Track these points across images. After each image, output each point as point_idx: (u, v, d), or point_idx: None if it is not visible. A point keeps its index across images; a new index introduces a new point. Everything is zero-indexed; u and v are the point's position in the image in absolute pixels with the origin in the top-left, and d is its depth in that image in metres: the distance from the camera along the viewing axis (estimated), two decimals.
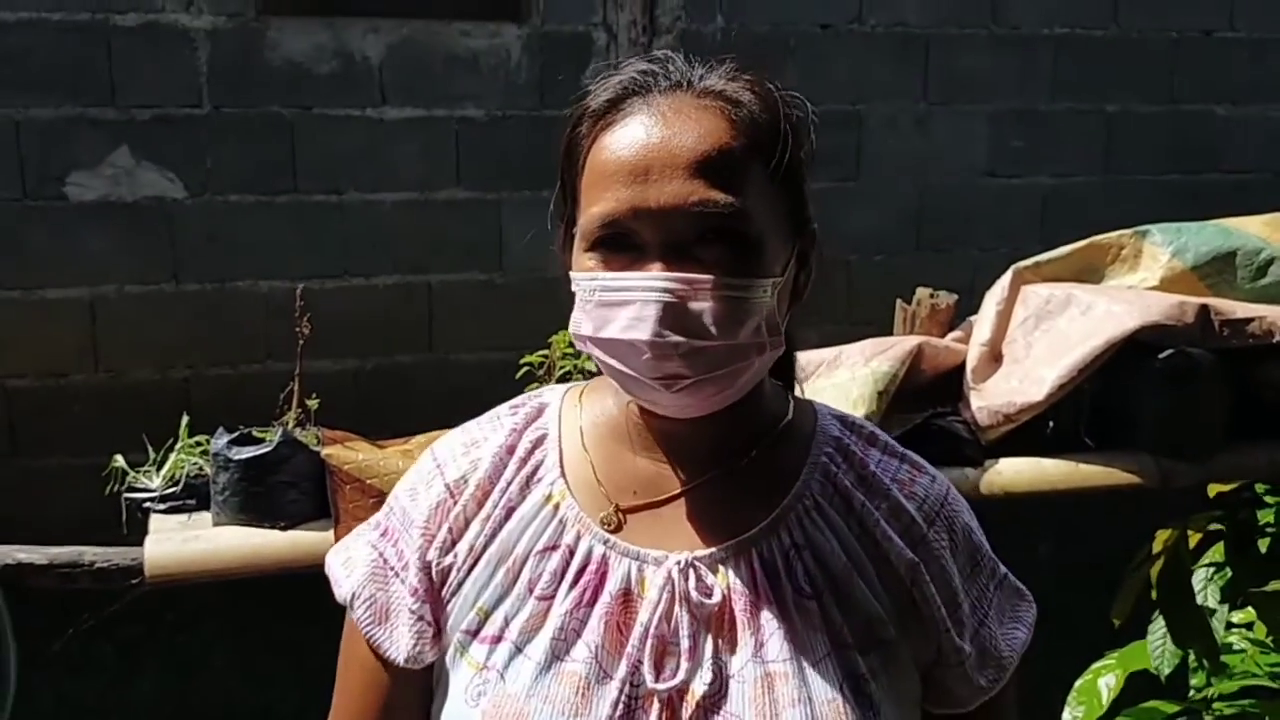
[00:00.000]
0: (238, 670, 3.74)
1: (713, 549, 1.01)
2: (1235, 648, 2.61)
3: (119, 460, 1.86)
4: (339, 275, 4.04)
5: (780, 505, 1.02)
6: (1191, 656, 2.41)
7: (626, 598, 1.00)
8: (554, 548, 1.02)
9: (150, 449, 1.88)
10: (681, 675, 0.96)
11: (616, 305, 0.93)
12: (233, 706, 3.58)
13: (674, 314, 0.91)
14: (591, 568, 1.01)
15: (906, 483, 1.06)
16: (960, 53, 4.58)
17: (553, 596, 1.00)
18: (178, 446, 1.88)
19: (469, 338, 4.20)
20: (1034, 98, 4.69)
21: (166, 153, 3.81)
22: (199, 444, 1.87)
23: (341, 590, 1.10)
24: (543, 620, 1.00)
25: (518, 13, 4.07)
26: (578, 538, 1.02)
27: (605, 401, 1.08)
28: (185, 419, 1.93)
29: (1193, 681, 2.62)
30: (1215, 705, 2.49)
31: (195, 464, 1.85)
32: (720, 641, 0.98)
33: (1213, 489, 2.31)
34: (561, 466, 1.06)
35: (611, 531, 1.02)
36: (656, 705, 0.96)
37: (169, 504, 1.85)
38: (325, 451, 1.77)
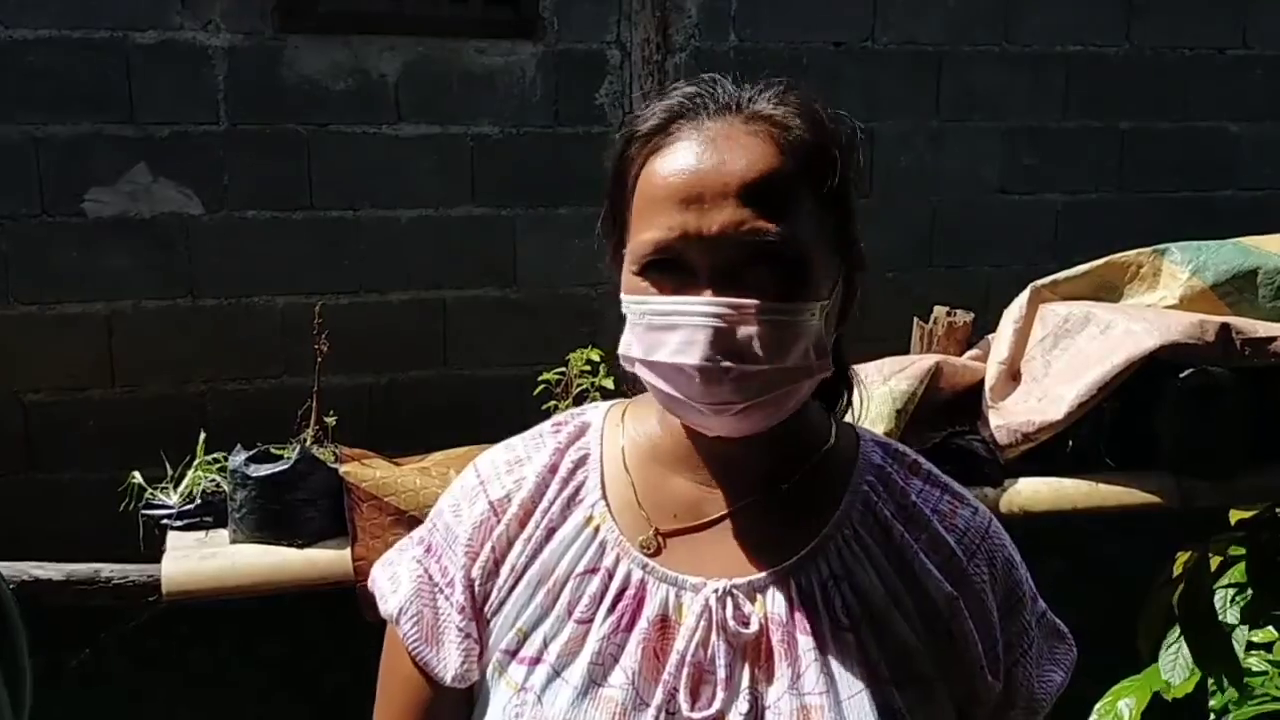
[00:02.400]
0: (250, 686, 3.73)
1: (751, 577, 1.00)
2: (1255, 669, 2.59)
3: (136, 477, 1.87)
4: (354, 291, 4.06)
5: (820, 534, 1.01)
6: (1211, 679, 2.39)
7: (664, 624, 0.99)
8: (593, 571, 1.02)
9: (167, 465, 1.88)
10: (717, 705, 0.96)
11: (666, 330, 0.93)
12: None
13: (724, 339, 0.91)
14: (630, 592, 1.00)
15: (948, 514, 1.04)
16: (973, 70, 4.58)
17: (591, 620, 1.00)
18: (195, 463, 1.88)
19: (484, 353, 4.21)
20: (1047, 115, 4.69)
21: (184, 169, 3.84)
22: (216, 460, 1.87)
23: (388, 605, 1.09)
24: (581, 644, 0.99)
25: (532, 31, 4.09)
26: (617, 561, 1.02)
27: (649, 421, 1.07)
28: (202, 436, 1.93)
29: (1211, 704, 2.60)
30: None
31: (212, 480, 1.86)
32: (757, 671, 0.97)
33: (1234, 515, 2.29)
34: (603, 488, 1.05)
35: (651, 555, 1.02)
36: None
37: (186, 521, 1.85)
38: (343, 469, 1.77)
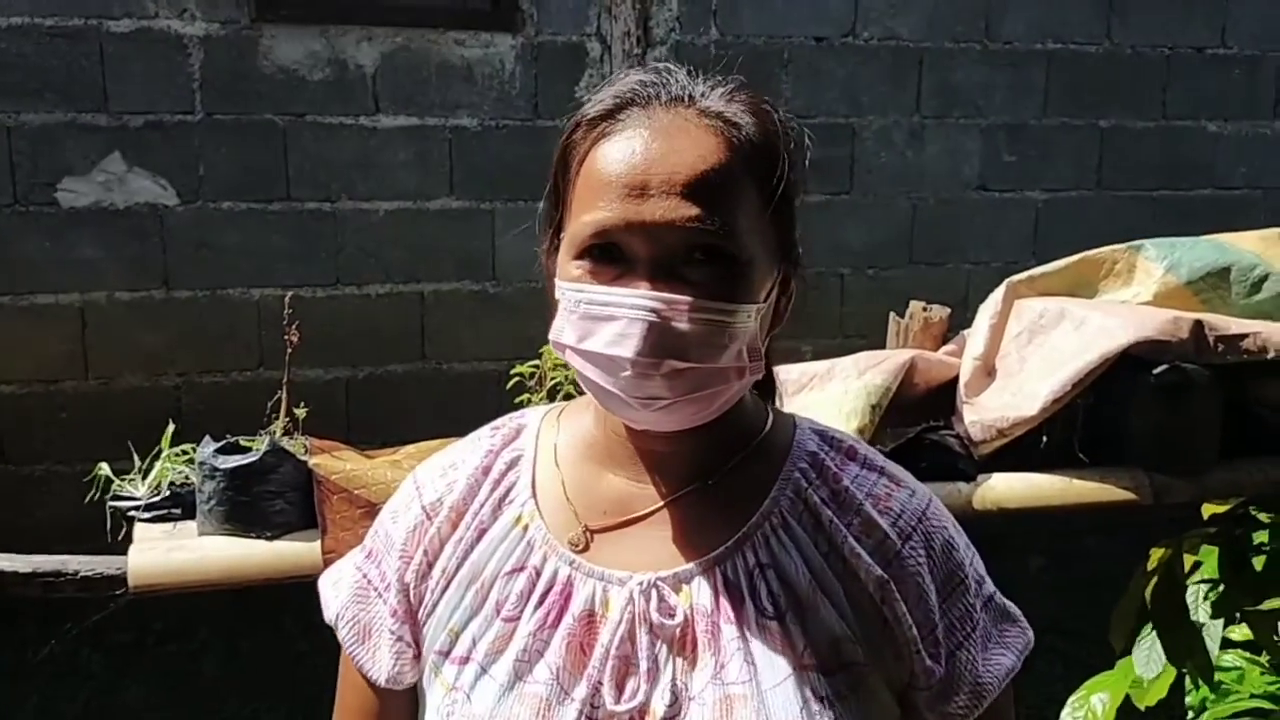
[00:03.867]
0: (226, 680, 3.72)
1: (677, 568, 1.00)
2: (1233, 666, 2.60)
3: (104, 468, 1.84)
4: (331, 284, 4.04)
5: (748, 523, 1.01)
6: (1188, 678, 2.39)
7: (590, 619, 0.99)
8: (520, 569, 1.02)
9: (135, 456, 1.86)
10: (640, 697, 0.96)
11: (601, 319, 0.93)
12: (221, 716, 3.55)
13: (658, 334, 0.91)
14: (556, 589, 1.01)
15: (882, 497, 1.03)
16: (954, 67, 4.59)
17: (518, 618, 1.00)
18: (163, 454, 1.86)
19: (462, 347, 4.20)
20: (1027, 112, 4.71)
21: (158, 159, 3.81)
22: (184, 452, 1.85)
23: (329, 612, 1.12)
24: (508, 641, 1.00)
25: (512, 23, 4.07)
26: (544, 559, 1.02)
27: (583, 420, 1.08)
28: (170, 427, 1.90)
29: (1189, 701, 2.60)
30: None
31: (181, 472, 1.83)
32: (682, 662, 0.97)
33: (1207, 510, 2.29)
34: (534, 488, 1.06)
35: (579, 552, 1.02)
36: None
37: (154, 513, 1.82)
38: (313, 461, 1.75)
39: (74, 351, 3.84)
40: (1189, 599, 2.22)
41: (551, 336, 0.99)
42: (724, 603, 0.98)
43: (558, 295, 0.97)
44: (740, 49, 4.32)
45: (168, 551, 1.72)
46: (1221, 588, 2.18)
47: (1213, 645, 2.23)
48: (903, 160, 4.63)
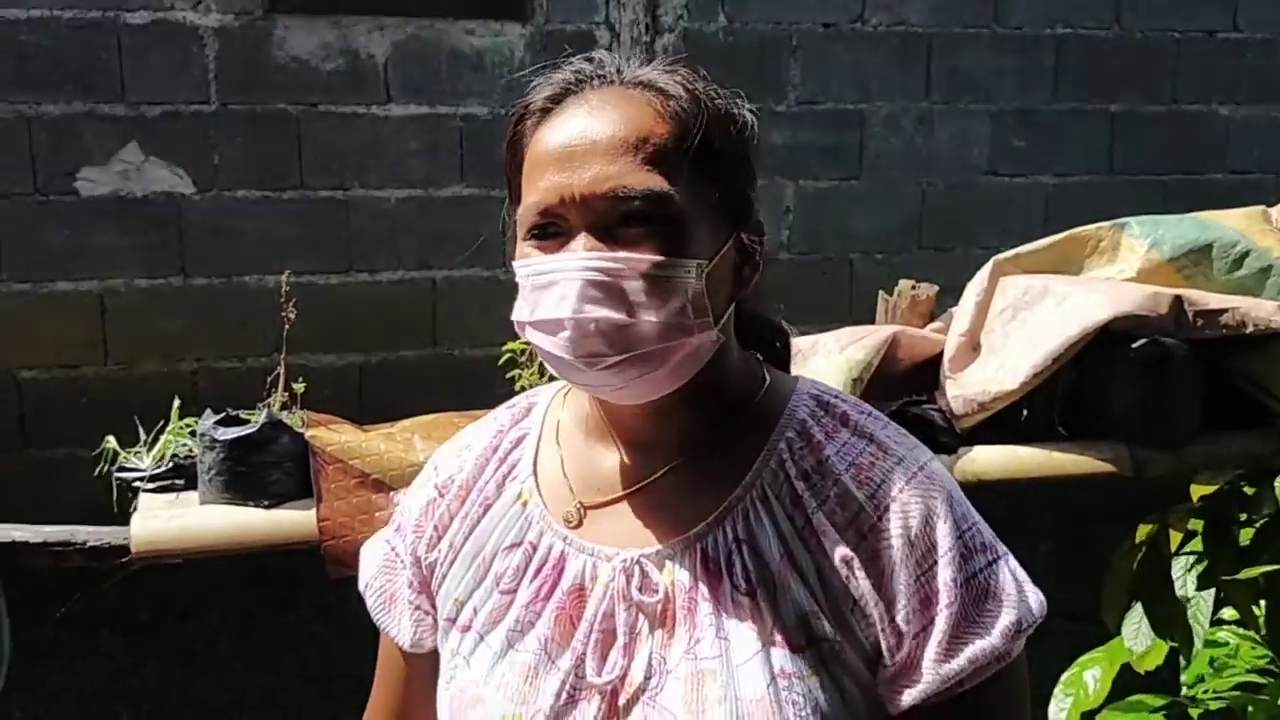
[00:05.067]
0: (242, 658, 3.80)
1: (661, 545, 1.03)
2: (1226, 642, 2.62)
3: (111, 441, 1.91)
4: (344, 270, 4.10)
5: (729, 498, 1.02)
6: (1180, 653, 2.41)
7: (579, 593, 1.04)
8: (518, 544, 1.08)
9: (141, 430, 1.93)
10: (618, 669, 1.00)
11: (544, 288, 0.97)
12: (237, 694, 3.63)
13: (593, 291, 0.94)
14: (550, 564, 1.06)
15: (865, 467, 1.01)
16: (963, 52, 4.60)
17: (515, 590, 1.06)
18: (168, 428, 1.93)
19: (473, 333, 4.25)
20: (1036, 97, 4.71)
21: (175, 149, 3.88)
22: (188, 426, 1.91)
23: (361, 581, 1.21)
24: (505, 612, 1.06)
25: (521, 12, 4.12)
26: (540, 535, 1.07)
27: (581, 398, 1.11)
28: (176, 402, 1.97)
29: (1183, 677, 2.62)
30: (1201, 698, 2.49)
31: (184, 445, 1.89)
32: (662, 636, 1.01)
33: (1195, 490, 2.31)
34: (535, 465, 1.11)
35: (573, 528, 1.06)
36: (597, 697, 1.00)
37: (158, 483, 1.88)
38: (309, 433, 1.81)
39: (93, 337, 3.92)
40: (1175, 573, 2.24)
41: (513, 317, 1.02)
42: (702, 579, 1.00)
43: (517, 279, 1.01)
44: (748, 36, 4.35)
45: (169, 519, 1.78)
46: (1205, 561, 2.20)
47: (1202, 618, 2.25)
48: (912, 146, 4.64)
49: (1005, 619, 0.98)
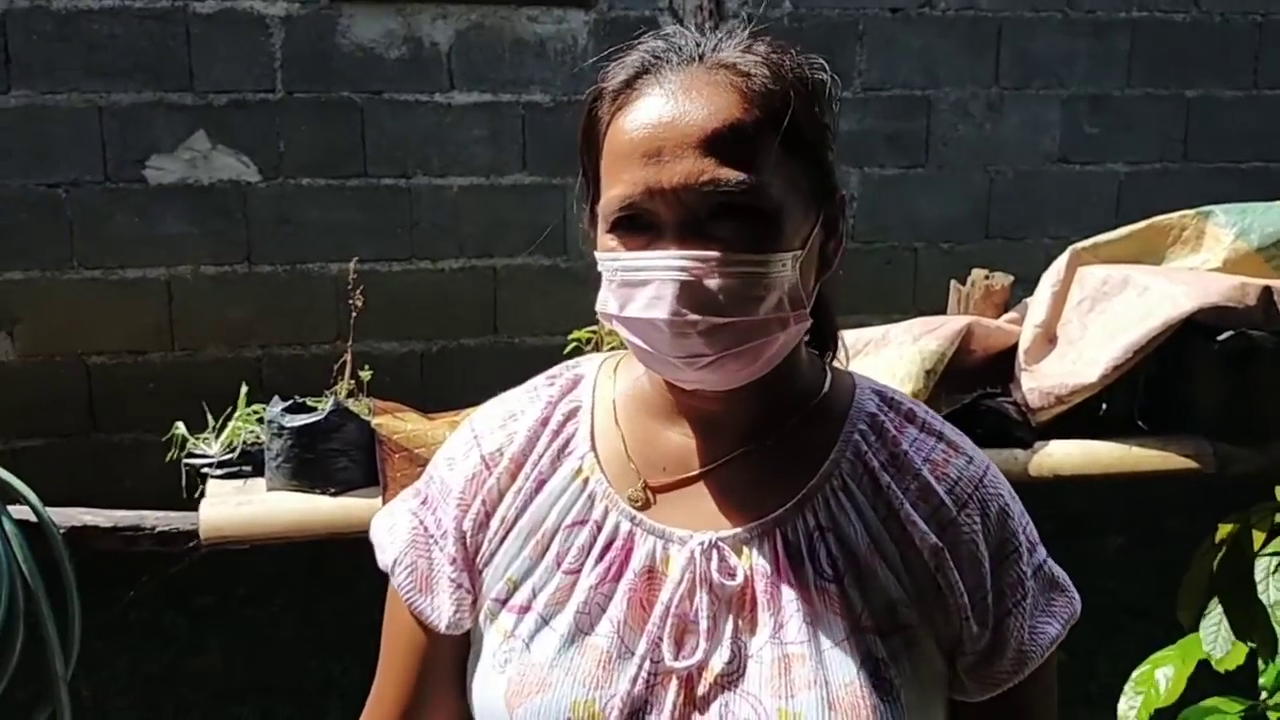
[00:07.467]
0: (302, 642, 3.83)
1: (738, 529, 1.01)
2: None
3: (180, 427, 1.93)
4: (406, 258, 4.11)
5: (808, 485, 1.01)
6: (1260, 657, 2.34)
7: (651, 575, 1.01)
8: (582, 522, 1.04)
9: (209, 417, 1.94)
10: (699, 654, 0.97)
11: (636, 285, 0.94)
12: (298, 677, 3.67)
13: (690, 292, 0.92)
14: (618, 544, 1.02)
15: (940, 463, 1.03)
16: (1033, 36, 4.49)
17: (579, 571, 1.02)
18: (236, 415, 1.94)
19: (533, 321, 4.25)
20: (1109, 83, 4.59)
21: (241, 137, 3.91)
22: (255, 413, 1.92)
23: (385, 556, 1.12)
24: (569, 594, 1.02)
25: None
26: (605, 513, 1.03)
27: (639, 374, 1.08)
28: (244, 389, 1.98)
29: (1262, 681, 2.54)
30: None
31: (252, 432, 1.91)
32: (740, 622, 0.99)
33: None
34: (593, 440, 1.07)
35: (640, 508, 1.03)
36: (675, 682, 0.97)
37: (226, 470, 1.90)
38: (375, 421, 1.81)
39: (161, 324, 3.97)
40: (1258, 574, 2.17)
41: (598, 308, 1.00)
42: (784, 565, 0.99)
43: (600, 268, 0.99)
44: (814, 21, 4.29)
45: (237, 505, 1.79)
46: None
47: None
48: (980, 133, 4.54)
49: (1068, 609, 1.06)
